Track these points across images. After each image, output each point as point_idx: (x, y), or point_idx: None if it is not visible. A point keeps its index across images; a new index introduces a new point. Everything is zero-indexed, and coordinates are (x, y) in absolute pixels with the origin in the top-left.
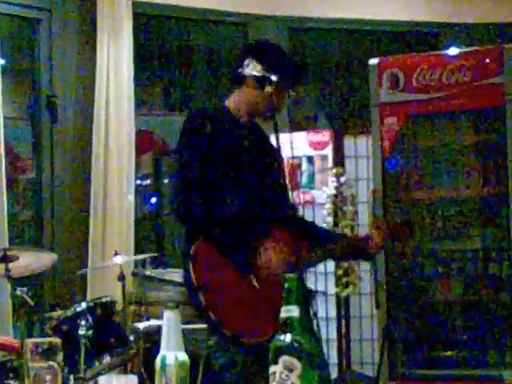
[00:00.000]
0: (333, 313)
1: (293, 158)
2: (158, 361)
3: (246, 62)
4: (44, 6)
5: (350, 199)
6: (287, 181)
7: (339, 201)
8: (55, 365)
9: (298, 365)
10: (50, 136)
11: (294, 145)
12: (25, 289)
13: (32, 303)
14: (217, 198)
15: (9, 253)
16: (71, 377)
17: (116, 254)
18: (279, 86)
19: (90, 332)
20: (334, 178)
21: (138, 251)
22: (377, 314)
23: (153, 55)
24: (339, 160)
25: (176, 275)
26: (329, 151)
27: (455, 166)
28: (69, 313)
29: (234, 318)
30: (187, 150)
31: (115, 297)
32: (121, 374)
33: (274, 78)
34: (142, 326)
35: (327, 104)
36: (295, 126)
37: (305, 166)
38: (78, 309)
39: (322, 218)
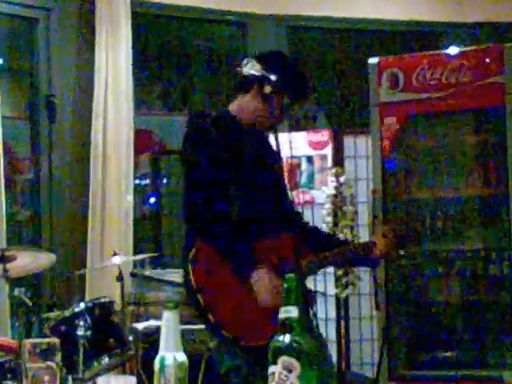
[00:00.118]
0: (332, 313)
1: (292, 157)
2: (156, 361)
3: (245, 61)
4: (42, 6)
5: (349, 199)
6: (286, 183)
7: (339, 201)
8: (53, 365)
9: (297, 365)
10: (48, 136)
11: (293, 144)
12: (23, 289)
13: (30, 303)
14: (220, 200)
15: (7, 253)
16: (69, 377)
17: (115, 254)
18: (278, 86)
19: (89, 332)
20: (333, 178)
21: (136, 251)
22: (376, 314)
23: (151, 55)
24: (339, 160)
25: (175, 275)
26: (328, 151)
27: (455, 165)
28: (67, 313)
29: (233, 320)
30: (193, 154)
31: (114, 297)
32: (119, 374)
33: (273, 77)
34: (140, 326)
35: (327, 104)
36: (295, 126)
37: (304, 165)
38: (77, 309)
39: (322, 218)
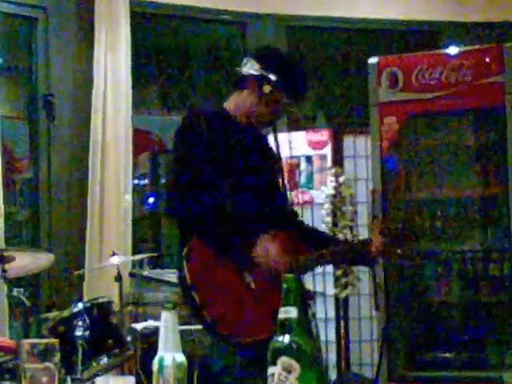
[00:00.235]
0: (332, 314)
1: (291, 157)
2: (155, 362)
3: (244, 60)
4: (41, 5)
5: (348, 199)
6: (286, 182)
7: (338, 201)
8: (52, 366)
9: (296, 366)
10: (46, 135)
11: (292, 144)
12: (21, 289)
13: (28, 304)
14: (212, 197)
15: (5, 253)
16: (68, 378)
17: (113, 254)
18: (277, 86)
19: (87, 333)
20: (332, 178)
21: (135, 251)
22: (376, 315)
23: (150, 54)
24: (338, 160)
25: (174, 276)
26: (328, 151)
27: (455, 165)
28: (65, 313)
29: (228, 317)
30: (182, 149)
31: (112, 297)
32: (118, 375)
33: (272, 77)
34: (139, 326)
35: (326, 103)
36: (294, 126)
37: (303, 165)
38: (75, 309)
39: (321, 218)
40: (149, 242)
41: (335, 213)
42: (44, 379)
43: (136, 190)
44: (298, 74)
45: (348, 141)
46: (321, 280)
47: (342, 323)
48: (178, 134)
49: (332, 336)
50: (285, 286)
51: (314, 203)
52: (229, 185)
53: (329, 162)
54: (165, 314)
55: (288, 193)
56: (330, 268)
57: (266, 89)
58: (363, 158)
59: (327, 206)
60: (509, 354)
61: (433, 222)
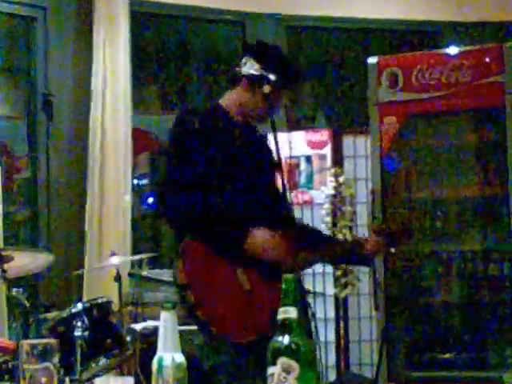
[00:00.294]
0: (331, 314)
1: (291, 157)
2: (154, 362)
3: (244, 60)
4: (40, 4)
5: (348, 199)
6: (285, 181)
7: (338, 201)
8: (51, 366)
9: (295, 366)
10: (45, 135)
11: (292, 144)
12: (20, 289)
13: (27, 304)
14: (207, 197)
15: (4, 253)
16: (67, 378)
17: (112, 254)
18: (277, 85)
19: (86, 333)
20: (332, 178)
21: (134, 251)
22: (376, 315)
23: (149, 54)
24: (338, 160)
25: None
26: (327, 151)
27: (455, 165)
28: (65, 314)
29: (222, 316)
30: (176, 149)
31: (112, 297)
32: (117, 375)
33: (272, 77)
34: (138, 327)
35: (326, 103)
36: (293, 126)
37: (303, 165)
38: (74, 310)
39: (321, 218)
40: (148, 242)
41: (335, 213)
42: (43, 380)
43: (135, 189)
44: (294, 72)
45: (348, 141)
46: (320, 280)
47: (342, 323)
48: (172, 133)
49: (332, 336)
50: (284, 286)
51: (313, 203)
52: (225, 184)
53: (328, 162)
54: (164, 314)
55: (288, 193)
56: (329, 268)
57: (266, 89)
58: (363, 158)
59: (327, 206)
60: (509, 355)
61: (433, 222)
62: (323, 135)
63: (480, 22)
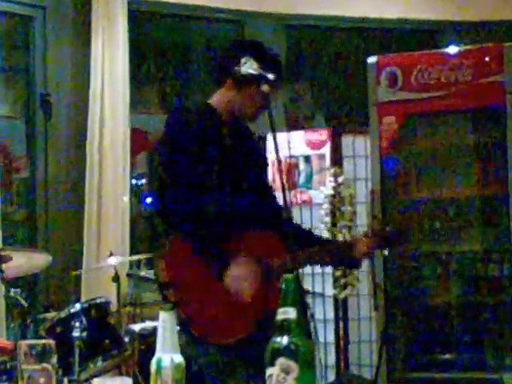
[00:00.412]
0: (331, 314)
1: (290, 157)
2: (153, 363)
3: (243, 60)
4: (38, 4)
5: (347, 199)
6: (284, 182)
7: (337, 201)
8: (49, 367)
9: (294, 367)
10: (44, 135)
11: (291, 144)
12: (18, 290)
13: (26, 304)
14: (196, 196)
15: (2, 253)
16: (65, 379)
17: (111, 254)
18: (275, 85)
19: (85, 334)
20: (331, 178)
21: (133, 252)
22: (375, 315)
23: (148, 53)
24: (337, 159)
25: None
26: (326, 150)
27: (455, 165)
28: (63, 314)
29: (202, 317)
30: (168, 148)
31: (110, 298)
32: (115, 376)
33: (270, 76)
34: (137, 327)
35: (325, 103)
36: (293, 125)
37: (302, 165)
38: (72, 310)
39: (320, 218)
40: (147, 242)
41: (334, 213)
42: (41, 380)
43: (134, 190)
44: (280, 68)
45: (347, 140)
46: (320, 280)
47: (341, 324)
48: (164, 132)
49: (331, 337)
50: (283, 286)
51: (312, 203)
52: (214, 183)
53: (328, 162)
54: (163, 315)
55: (287, 193)
56: (329, 269)
57: (265, 88)
58: (362, 158)
59: (326, 206)
60: (508, 356)
61: (432, 223)
62: (322, 135)
63: (480, 22)
